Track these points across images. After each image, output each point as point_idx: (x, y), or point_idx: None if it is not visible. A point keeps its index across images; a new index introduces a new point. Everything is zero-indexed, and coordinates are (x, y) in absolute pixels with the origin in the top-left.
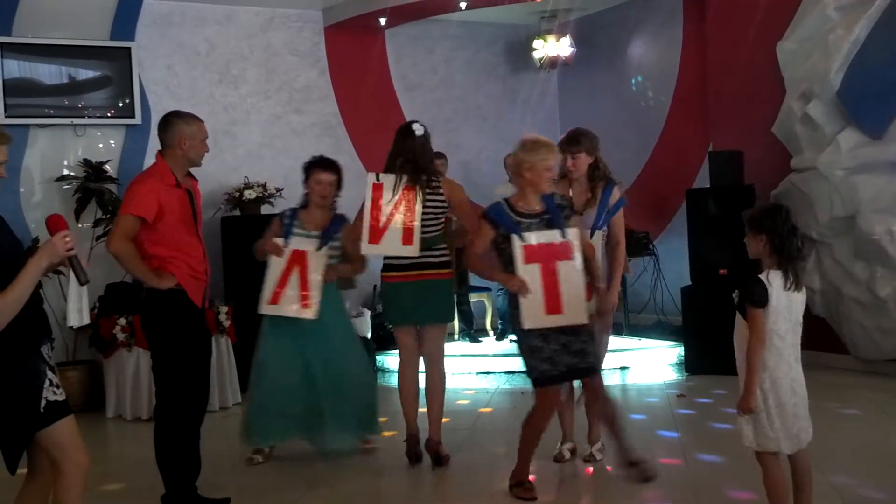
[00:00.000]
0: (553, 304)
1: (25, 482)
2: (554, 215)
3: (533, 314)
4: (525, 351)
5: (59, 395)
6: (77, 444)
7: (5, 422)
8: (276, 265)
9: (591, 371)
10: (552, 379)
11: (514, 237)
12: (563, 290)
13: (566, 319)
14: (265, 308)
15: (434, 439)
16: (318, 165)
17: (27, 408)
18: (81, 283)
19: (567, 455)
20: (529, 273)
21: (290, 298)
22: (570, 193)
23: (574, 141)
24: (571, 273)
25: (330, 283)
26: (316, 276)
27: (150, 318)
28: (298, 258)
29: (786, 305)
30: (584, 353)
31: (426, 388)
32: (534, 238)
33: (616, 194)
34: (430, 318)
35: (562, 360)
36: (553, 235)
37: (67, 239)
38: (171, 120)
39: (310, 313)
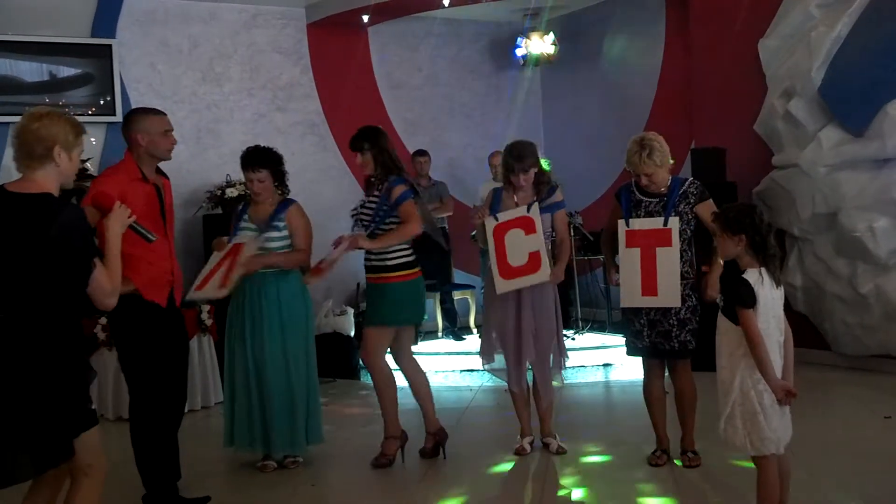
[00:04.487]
0: (649, 286)
1: (33, 487)
2: (671, 198)
3: (629, 294)
4: (622, 323)
5: (93, 402)
6: (101, 449)
7: (56, 425)
8: (214, 258)
9: (673, 354)
10: (637, 353)
11: (620, 223)
12: (660, 274)
13: (660, 302)
14: (191, 294)
15: (431, 431)
16: (245, 163)
17: (81, 411)
18: (151, 241)
19: (528, 448)
20: (630, 256)
21: (214, 283)
22: (515, 199)
23: (523, 157)
24: (669, 259)
25: (293, 281)
26: (242, 260)
27: (113, 320)
28: (235, 250)
29: (770, 304)
30: (669, 335)
31: (412, 387)
32: (637, 224)
33: (559, 196)
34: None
35: (647, 337)
36: (656, 222)
37: (124, 207)
38: (128, 117)
39: (224, 291)
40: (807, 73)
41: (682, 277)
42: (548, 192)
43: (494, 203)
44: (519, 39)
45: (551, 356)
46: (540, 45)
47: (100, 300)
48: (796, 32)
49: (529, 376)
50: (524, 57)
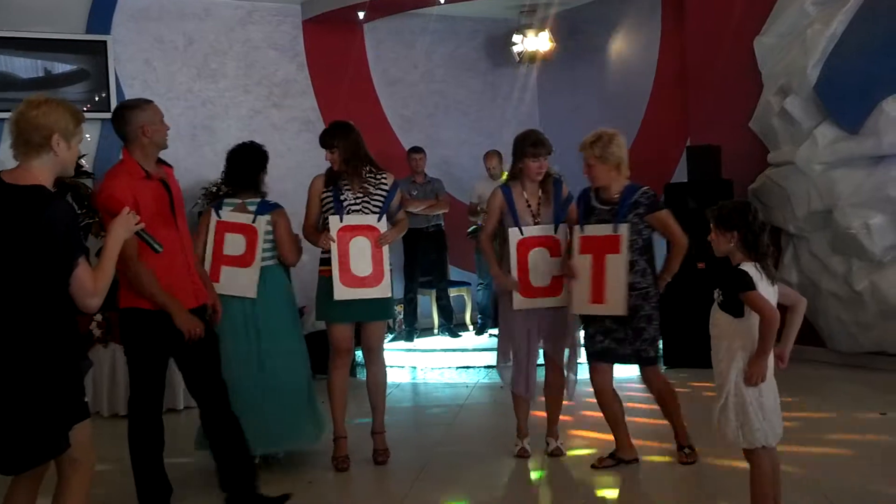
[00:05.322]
0: (597, 294)
1: (15, 481)
2: (621, 208)
3: (579, 301)
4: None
5: (86, 395)
6: (91, 445)
7: (50, 417)
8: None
9: (626, 360)
10: (591, 356)
11: (575, 228)
12: (608, 281)
13: (607, 310)
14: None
15: (378, 431)
16: None
17: (75, 406)
18: (157, 252)
19: (528, 450)
20: (582, 263)
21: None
22: (525, 196)
23: (544, 142)
24: (617, 266)
25: (275, 275)
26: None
27: (125, 331)
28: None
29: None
30: (623, 341)
31: (370, 384)
32: (589, 231)
33: (565, 189)
34: (371, 315)
35: (599, 343)
36: (606, 229)
37: (132, 214)
38: (125, 113)
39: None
40: (802, 71)
41: (633, 288)
42: (555, 185)
43: (510, 205)
44: (515, 36)
45: (566, 353)
46: (535, 42)
47: (80, 299)
48: (792, 30)
49: (540, 373)
50: (520, 53)
